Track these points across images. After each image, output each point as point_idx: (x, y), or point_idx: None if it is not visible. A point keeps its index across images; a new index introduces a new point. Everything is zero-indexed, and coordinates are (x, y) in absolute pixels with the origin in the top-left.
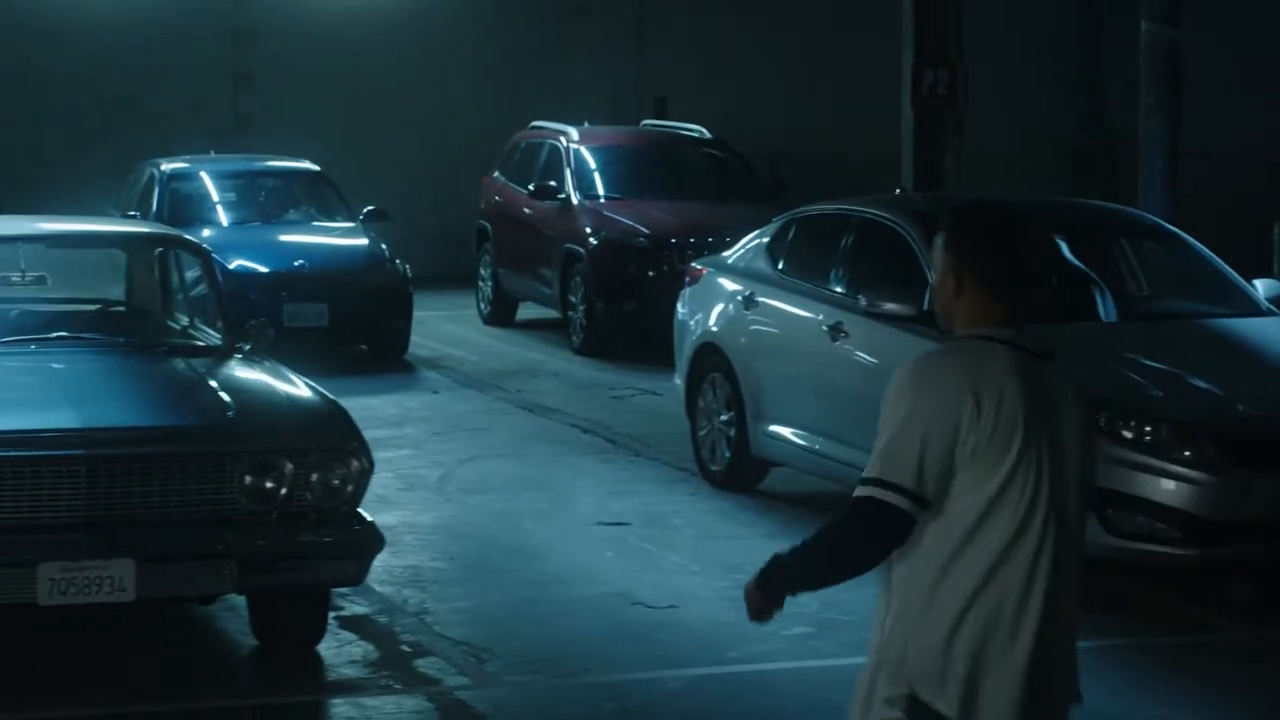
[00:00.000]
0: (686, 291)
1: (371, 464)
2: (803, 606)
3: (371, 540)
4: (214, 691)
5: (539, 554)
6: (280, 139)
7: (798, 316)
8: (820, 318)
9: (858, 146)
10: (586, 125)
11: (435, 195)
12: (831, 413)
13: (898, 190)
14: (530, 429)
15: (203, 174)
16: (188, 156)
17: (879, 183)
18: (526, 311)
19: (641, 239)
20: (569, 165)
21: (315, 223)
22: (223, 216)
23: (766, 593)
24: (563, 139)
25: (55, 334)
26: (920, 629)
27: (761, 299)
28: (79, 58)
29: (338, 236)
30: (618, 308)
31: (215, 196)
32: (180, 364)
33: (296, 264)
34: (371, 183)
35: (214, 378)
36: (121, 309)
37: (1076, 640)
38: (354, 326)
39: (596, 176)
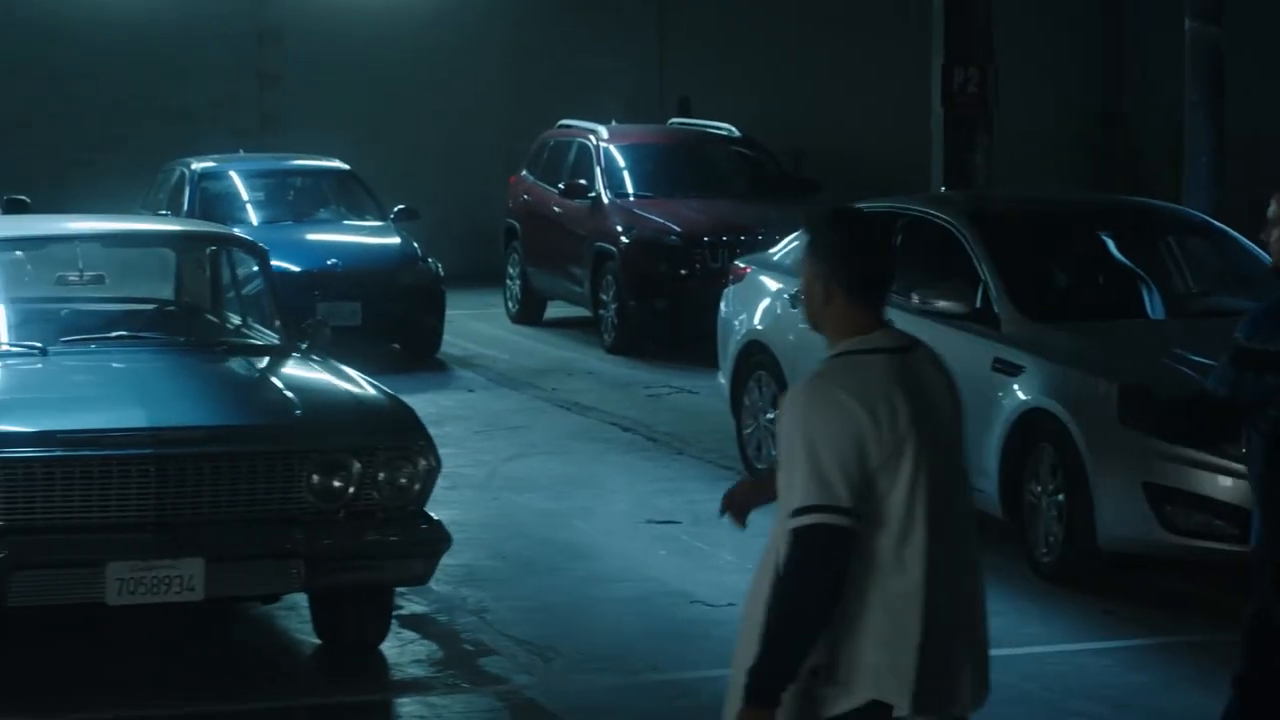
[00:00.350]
0: (730, 290)
1: (439, 463)
2: None
3: (439, 539)
4: (277, 691)
5: (592, 552)
6: (305, 138)
7: None
8: None
9: (880, 145)
10: (614, 124)
11: (459, 194)
12: None
13: (943, 189)
14: (570, 427)
15: (233, 173)
16: (217, 155)
17: (902, 181)
18: (555, 310)
19: (673, 237)
20: (599, 164)
21: (346, 221)
22: (253, 215)
23: (759, 702)
24: (592, 137)
25: (116, 333)
26: (865, 636)
27: None
28: (102, 57)
29: (370, 235)
30: (650, 306)
31: (246, 195)
32: (241, 363)
33: (330, 263)
34: (395, 181)
35: (277, 377)
36: (177, 308)
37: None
38: (387, 325)
39: (626, 175)
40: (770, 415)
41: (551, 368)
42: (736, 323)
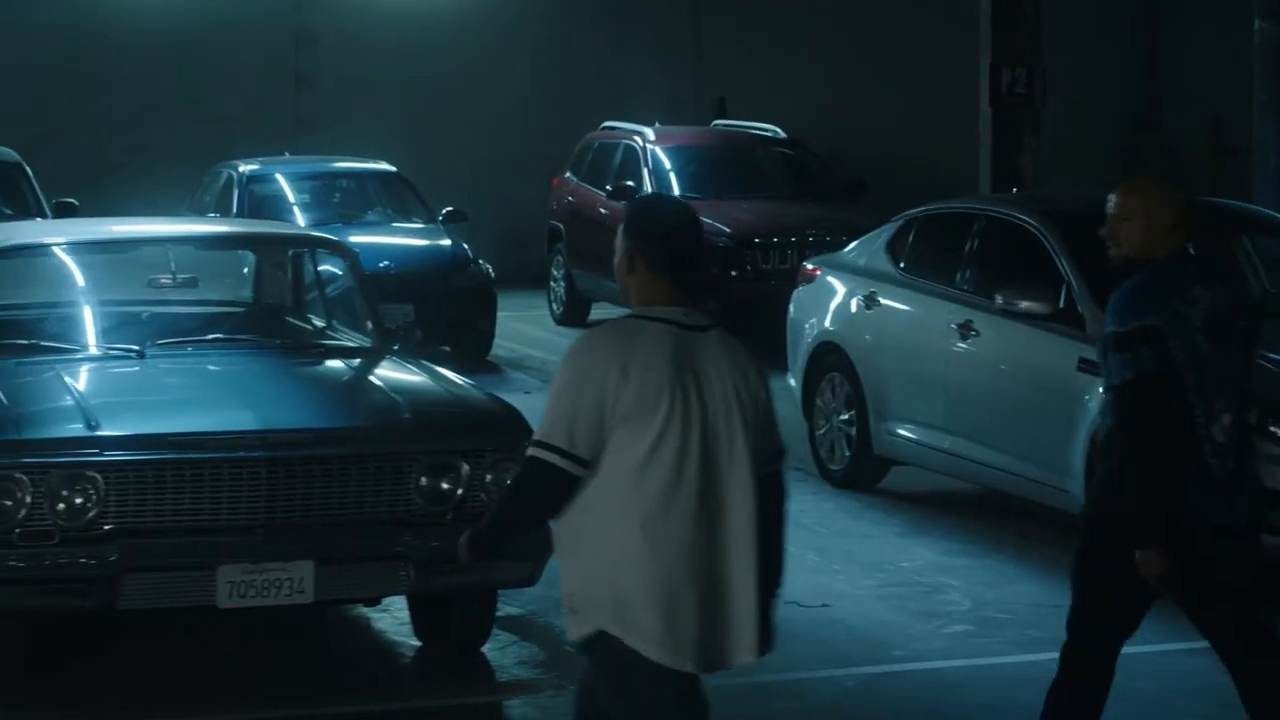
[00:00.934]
0: (799, 291)
1: None
2: (956, 605)
3: (546, 541)
4: (381, 694)
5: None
6: (341, 141)
7: (924, 315)
8: (949, 316)
9: (919, 145)
10: (658, 125)
11: (496, 196)
12: (960, 410)
13: (1013, 190)
14: None
15: (282, 175)
16: (264, 158)
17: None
18: (599, 311)
19: (724, 239)
20: (646, 165)
21: (395, 224)
22: (301, 218)
23: (474, 548)
24: (638, 139)
25: (211, 336)
26: (581, 563)
27: (884, 298)
28: (138, 61)
29: (420, 237)
30: (700, 308)
31: (295, 197)
32: (340, 365)
33: (382, 265)
34: (431, 184)
35: (378, 379)
36: (265, 310)
37: (755, 585)
38: (439, 328)
39: (673, 176)
40: (845, 416)
41: None
42: (808, 325)
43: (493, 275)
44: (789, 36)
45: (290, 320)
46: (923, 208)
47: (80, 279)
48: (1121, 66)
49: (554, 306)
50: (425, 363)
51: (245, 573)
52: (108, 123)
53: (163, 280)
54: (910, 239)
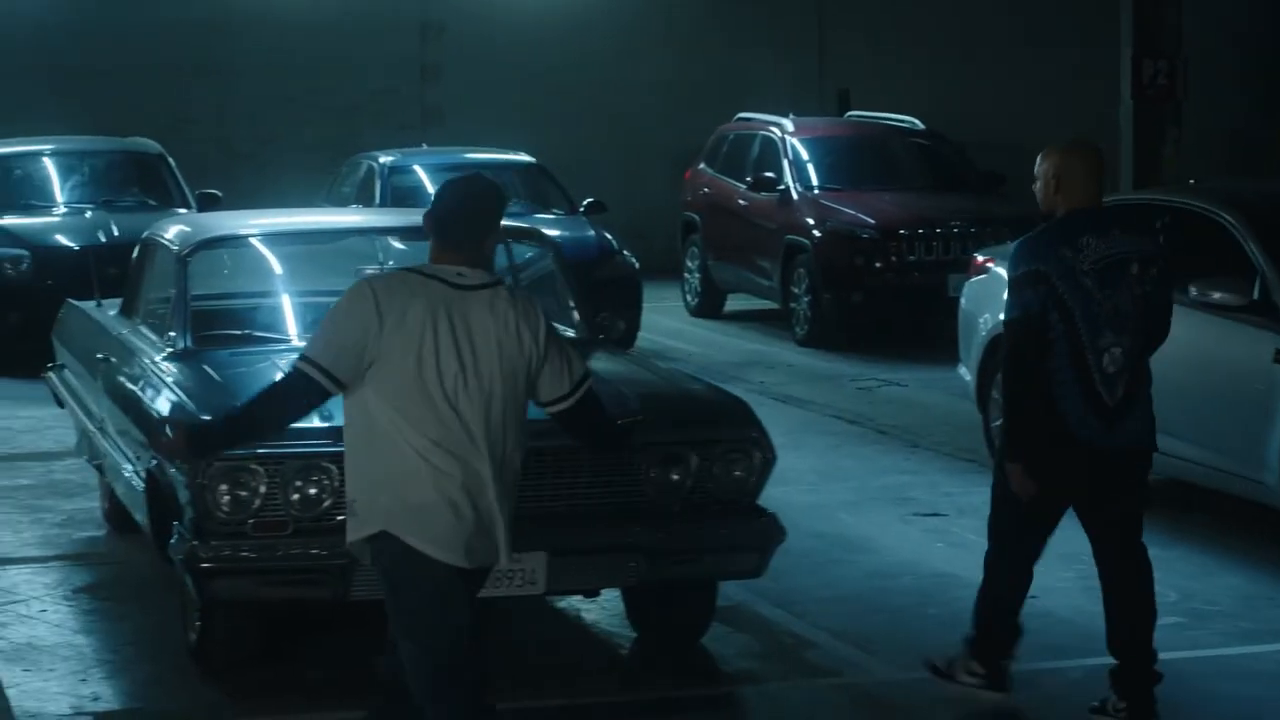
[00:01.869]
0: (971, 284)
1: (774, 455)
2: (1162, 597)
3: (773, 532)
4: (607, 685)
5: (869, 545)
6: (466, 132)
7: None
8: None
9: (1046, 137)
10: (793, 116)
11: (618, 188)
12: None
13: (1191, 181)
14: (794, 420)
15: (423, 166)
16: (403, 149)
17: None
18: (734, 303)
19: (868, 231)
20: (786, 157)
21: (536, 215)
22: None
23: (198, 439)
24: (776, 130)
25: None
26: (361, 475)
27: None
28: (266, 53)
29: (564, 228)
30: (845, 299)
31: (435, 189)
32: None
33: (528, 256)
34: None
35: (600, 370)
36: None
37: (511, 499)
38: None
39: (811, 168)
40: None
41: (747, 361)
42: (981, 317)
43: (638, 266)
44: (912, 27)
45: None
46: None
47: (287, 270)
48: (1243, 59)
49: (688, 298)
50: (635, 354)
51: None
52: (236, 114)
53: (370, 271)
54: None
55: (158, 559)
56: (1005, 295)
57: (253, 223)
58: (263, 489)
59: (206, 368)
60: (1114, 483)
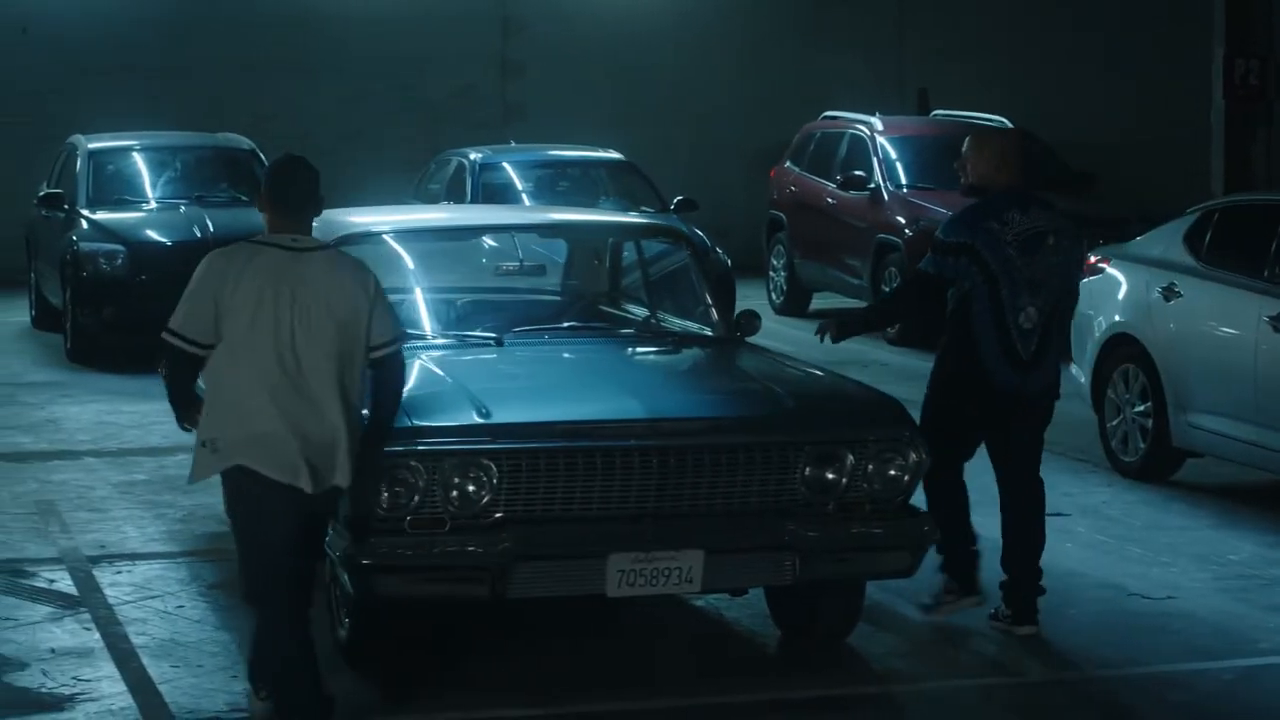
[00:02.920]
0: (1086, 283)
1: (928, 455)
2: None
3: (926, 531)
4: (757, 683)
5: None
6: (547, 129)
7: (1231, 307)
8: (1259, 309)
9: (1126, 136)
10: (880, 115)
11: (698, 186)
12: (1271, 402)
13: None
14: None
15: (514, 163)
16: (493, 146)
17: (1161, 174)
18: (820, 300)
19: None
20: (875, 155)
21: (628, 213)
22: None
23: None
24: (864, 129)
25: (567, 323)
26: (217, 416)
27: (1184, 290)
28: (346, 48)
29: None
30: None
31: (527, 185)
32: (700, 353)
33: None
34: None
35: (747, 367)
36: (606, 297)
37: (344, 431)
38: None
39: (901, 166)
40: (1140, 408)
41: (840, 359)
42: (1098, 318)
43: (730, 264)
44: (991, 27)
45: (627, 307)
46: (1222, 199)
47: (427, 266)
48: None
49: (773, 296)
50: (779, 352)
51: (635, 561)
52: (317, 110)
53: (508, 267)
54: (1211, 230)
55: None
56: (930, 252)
57: (389, 219)
58: (421, 486)
59: None
60: (1023, 424)
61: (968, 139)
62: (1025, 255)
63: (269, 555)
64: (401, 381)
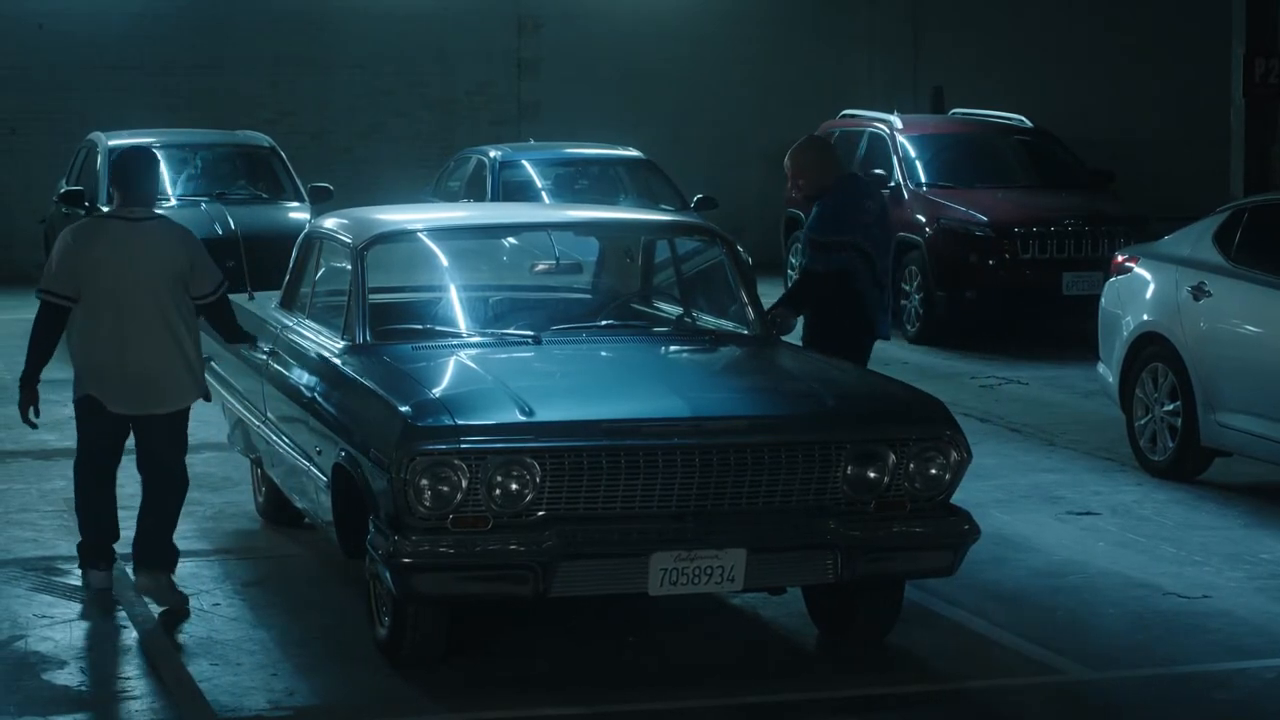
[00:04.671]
0: (1113, 282)
1: (970, 454)
2: None
3: (967, 530)
4: (799, 681)
5: (1030, 544)
6: (563, 127)
7: (1262, 306)
8: None
9: (1140, 134)
10: (899, 113)
11: (713, 183)
12: None
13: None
14: None
15: (534, 161)
16: (512, 144)
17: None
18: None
19: (982, 229)
20: (895, 153)
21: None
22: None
23: (23, 385)
24: (884, 127)
25: (604, 321)
26: (80, 358)
27: (1214, 289)
28: (363, 46)
29: None
30: (959, 297)
31: (546, 182)
32: (738, 352)
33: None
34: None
35: (786, 366)
36: (642, 296)
37: (179, 366)
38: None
39: (921, 165)
40: (1169, 407)
41: None
42: (1125, 315)
43: (751, 262)
44: (1006, 25)
45: (661, 306)
46: (1252, 198)
47: (460, 264)
48: None
49: None
50: (813, 351)
51: (678, 560)
52: (334, 108)
53: (542, 265)
54: (1242, 229)
55: (333, 552)
56: (811, 251)
57: (424, 217)
58: (464, 484)
59: (390, 361)
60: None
61: (786, 159)
62: (880, 230)
63: (88, 454)
64: (230, 312)
